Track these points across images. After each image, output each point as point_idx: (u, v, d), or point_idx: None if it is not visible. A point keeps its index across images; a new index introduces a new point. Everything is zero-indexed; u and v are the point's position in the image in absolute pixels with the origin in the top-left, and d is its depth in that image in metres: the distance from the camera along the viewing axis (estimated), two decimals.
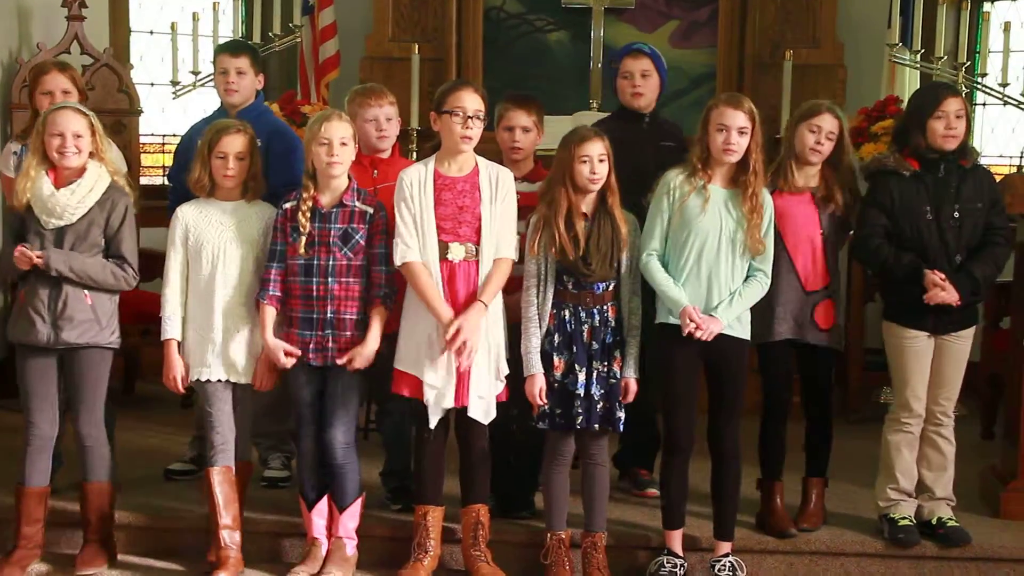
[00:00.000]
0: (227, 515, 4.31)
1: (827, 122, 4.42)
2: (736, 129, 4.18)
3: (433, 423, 4.22)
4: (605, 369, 4.23)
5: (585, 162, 4.17)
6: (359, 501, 4.37)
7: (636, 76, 4.82)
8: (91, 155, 4.30)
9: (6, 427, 5.68)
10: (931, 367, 4.46)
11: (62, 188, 4.25)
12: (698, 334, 4.17)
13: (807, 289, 4.45)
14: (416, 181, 4.22)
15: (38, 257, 4.20)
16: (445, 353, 4.16)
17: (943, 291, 4.32)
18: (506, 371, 4.27)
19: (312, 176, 4.26)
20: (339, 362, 4.22)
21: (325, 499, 4.36)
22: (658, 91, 4.89)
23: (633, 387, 4.25)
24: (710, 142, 4.23)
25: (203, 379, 4.32)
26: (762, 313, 4.39)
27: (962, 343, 4.48)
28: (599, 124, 4.75)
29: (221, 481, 4.32)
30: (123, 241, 4.35)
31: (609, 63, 4.94)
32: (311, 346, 4.24)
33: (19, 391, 4.39)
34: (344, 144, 4.21)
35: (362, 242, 4.24)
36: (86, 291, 4.28)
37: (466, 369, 4.17)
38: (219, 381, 4.32)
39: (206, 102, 7.00)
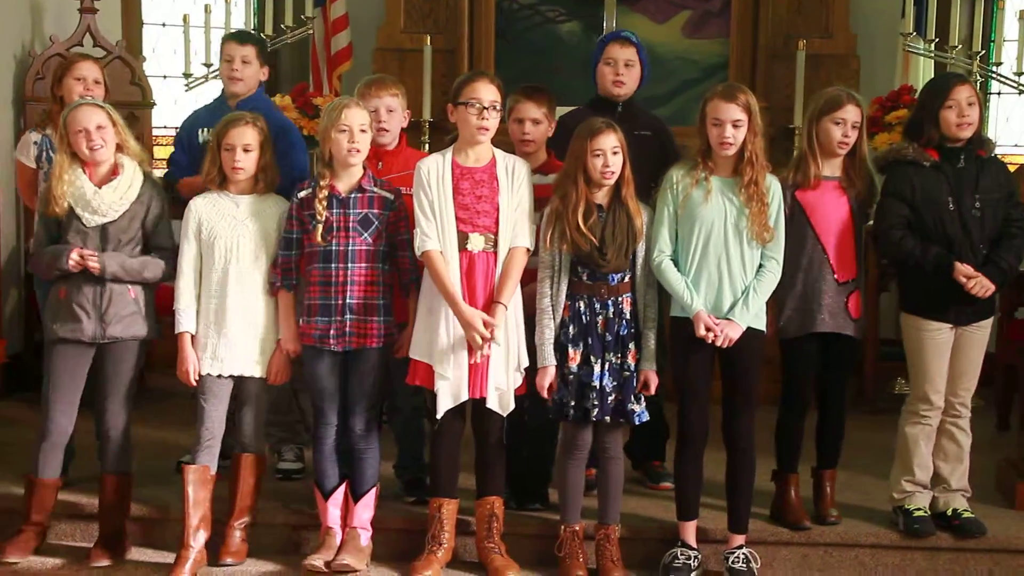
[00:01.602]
0: (196, 515, 4.30)
1: (851, 113, 4.36)
2: (730, 123, 4.15)
3: (441, 412, 4.21)
4: (618, 361, 4.21)
5: (599, 155, 4.15)
6: (373, 491, 4.37)
7: (620, 64, 4.72)
8: (118, 147, 4.32)
9: (22, 420, 5.69)
10: (950, 358, 4.43)
11: (104, 186, 4.27)
12: (717, 342, 4.15)
13: (840, 280, 4.40)
14: (434, 171, 4.22)
15: (94, 265, 4.20)
16: (458, 344, 4.15)
17: (977, 283, 4.29)
18: (526, 363, 4.26)
19: (328, 163, 4.25)
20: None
21: (341, 489, 4.36)
22: (638, 83, 4.79)
23: (654, 380, 4.24)
24: (708, 135, 4.21)
25: (215, 373, 4.32)
26: (802, 306, 4.38)
27: (982, 333, 4.47)
28: (572, 114, 4.70)
29: (196, 479, 4.31)
30: (164, 233, 4.38)
31: (599, 46, 4.86)
32: (331, 332, 4.23)
33: (42, 383, 4.37)
34: (363, 131, 4.21)
35: (381, 227, 4.24)
36: (130, 286, 4.30)
37: (483, 360, 4.16)
38: (222, 377, 4.32)
39: (219, 94, 6.98)
